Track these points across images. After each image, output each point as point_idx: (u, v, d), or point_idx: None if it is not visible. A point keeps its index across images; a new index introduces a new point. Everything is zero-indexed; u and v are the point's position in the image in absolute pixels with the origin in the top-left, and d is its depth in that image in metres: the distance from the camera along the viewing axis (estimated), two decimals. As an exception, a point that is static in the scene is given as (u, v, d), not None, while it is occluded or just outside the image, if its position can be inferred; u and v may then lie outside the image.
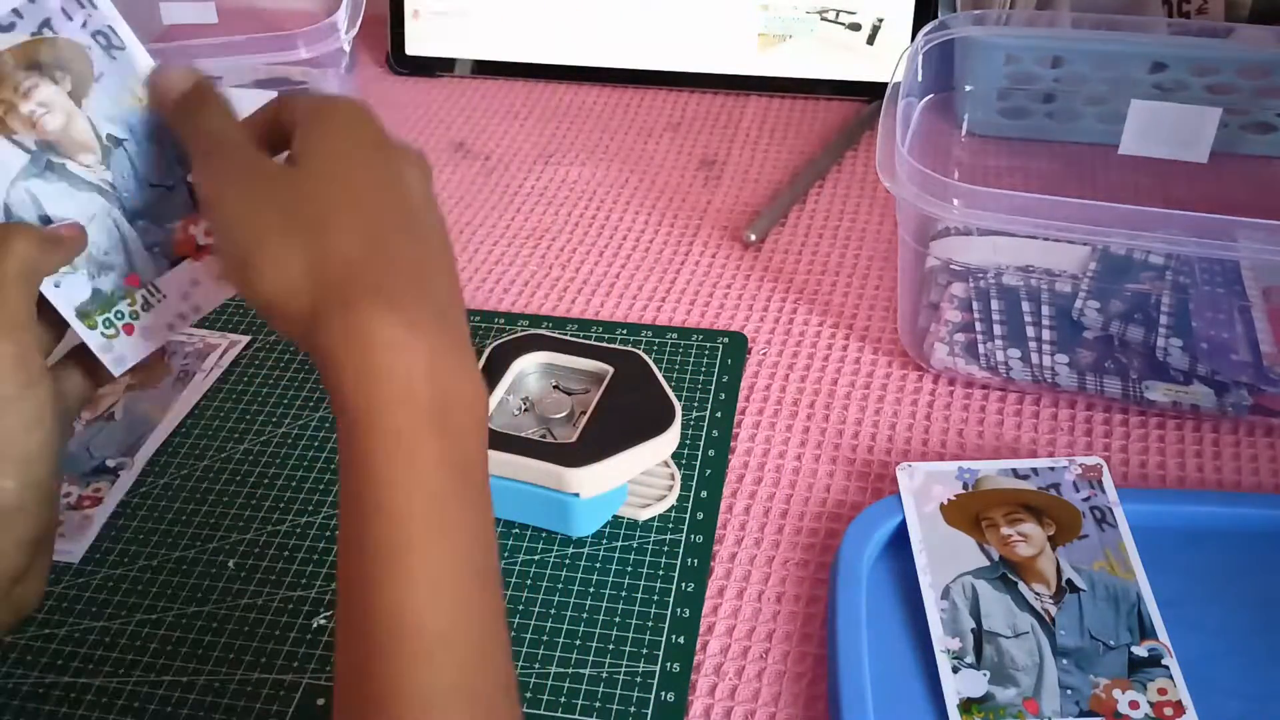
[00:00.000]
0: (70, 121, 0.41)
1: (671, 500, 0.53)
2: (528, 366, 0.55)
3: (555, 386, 0.55)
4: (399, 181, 0.39)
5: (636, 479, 0.52)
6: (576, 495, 0.49)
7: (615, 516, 0.52)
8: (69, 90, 0.41)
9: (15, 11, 0.40)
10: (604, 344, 0.56)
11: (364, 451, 0.34)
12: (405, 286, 0.36)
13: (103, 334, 0.42)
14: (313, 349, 0.36)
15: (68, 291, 0.41)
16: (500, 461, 0.50)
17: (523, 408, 0.54)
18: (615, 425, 0.51)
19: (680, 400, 0.58)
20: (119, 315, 0.43)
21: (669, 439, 0.51)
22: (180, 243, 0.43)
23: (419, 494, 0.34)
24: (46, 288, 0.41)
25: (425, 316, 0.36)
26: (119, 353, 0.42)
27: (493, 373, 0.54)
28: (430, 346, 0.35)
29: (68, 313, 0.41)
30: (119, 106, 0.42)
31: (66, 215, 0.41)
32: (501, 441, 0.50)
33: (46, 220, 0.41)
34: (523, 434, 0.52)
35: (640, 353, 0.55)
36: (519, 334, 0.56)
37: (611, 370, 0.54)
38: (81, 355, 0.43)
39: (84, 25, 0.41)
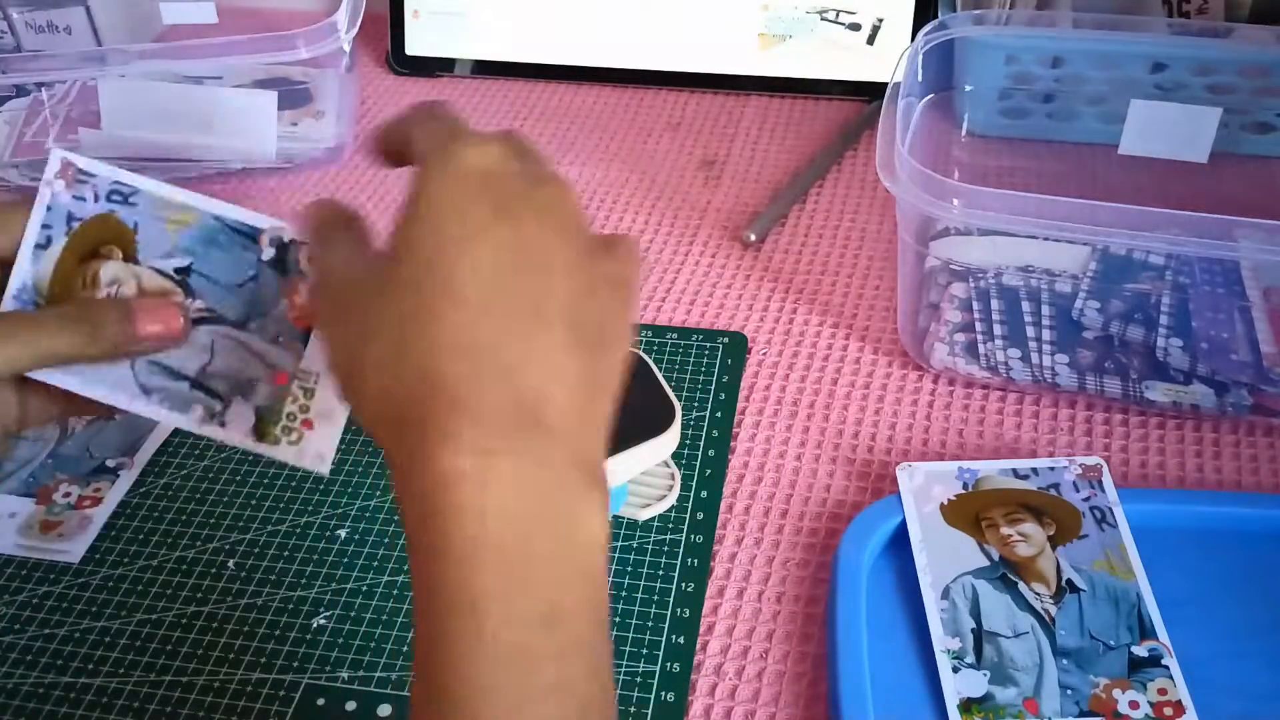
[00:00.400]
0: (140, 280, 0.42)
1: (671, 500, 0.53)
2: None
3: None
4: (524, 254, 0.33)
5: (636, 479, 0.52)
6: None
7: (615, 517, 0.52)
8: (123, 257, 0.42)
9: (45, 227, 0.41)
10: None
11: (424, 612, 0.30)
12: (498, 398, 0.31)
13: (289, 443, 0.42)
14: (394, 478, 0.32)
15: (235, 424, 0.42)
16: None
17: None
18: (615, 425, 0.50)
19: (680, 400, 0.58)
20: (291, 418, 0.42)
21: (669, 439, 0.50)
22: (298, 318, 0.43)
23: (487, 665, 0.29)
24: (212, 429, 0.42)
25: (524, 437, 0.31)
26: (315, 450, 0.42)
27: None
28: (520, 475, 0.30)
29: (245, 442, 0.41)
30: (166, 241, 0.42)
31: (191, 362, 0.42)
32: None
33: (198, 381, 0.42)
34: None
35: (640, 353, 0.54)
36: None
37: None
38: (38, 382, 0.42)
39: (96, 198, 0.42)
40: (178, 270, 0.42)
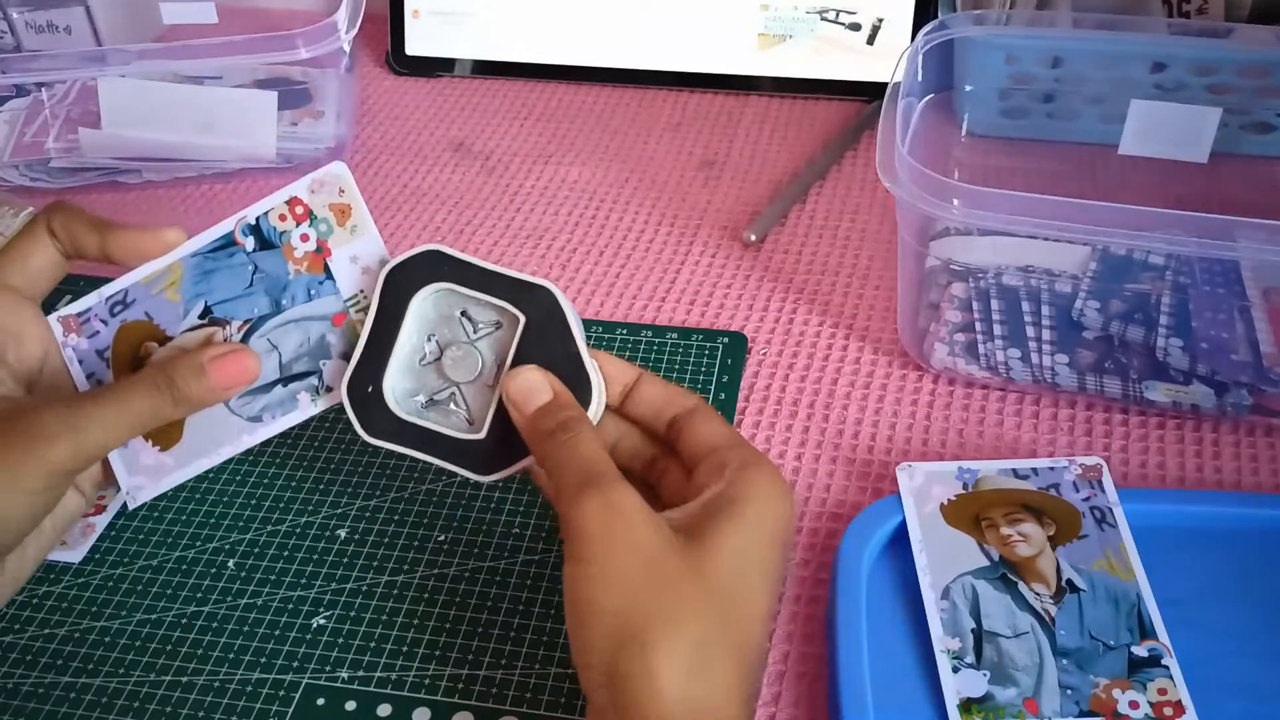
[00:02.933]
0: (184, 345, 0.45)
1: (600, 403, 0.44)
2: (428, 296, 0.45)
3: (463, 314, 0.45)
4: (767, 608, 0.39)
5: None
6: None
7: None
8: (160, 344, 0.46)
9: (89, 375, 0.46)
10: (511, 272, 0.45)
11: None
12: None
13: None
14: None
15: (338, 379, 0.44)
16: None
17: (433, 355, 0.45)
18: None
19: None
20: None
21: (592, 413, 0.43)
22: (309, 266, 0.45)
23: None
24: (326, 400, 0.45)
25: None
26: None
27: (393, 312, 0.44)
28: None
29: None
30: (177, 306, 0.45)
31: (267, 369, 0.45)
32: (414, 437, 0.44)
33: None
34: (433, 397, 0.45)
35: (551, 289, 0.44)
36: (413, 252, 0.44)
37: (523, 319, 0.44)
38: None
39: (105, 322, 0.45)
40: (201, 317, 0.44)
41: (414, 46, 0.90)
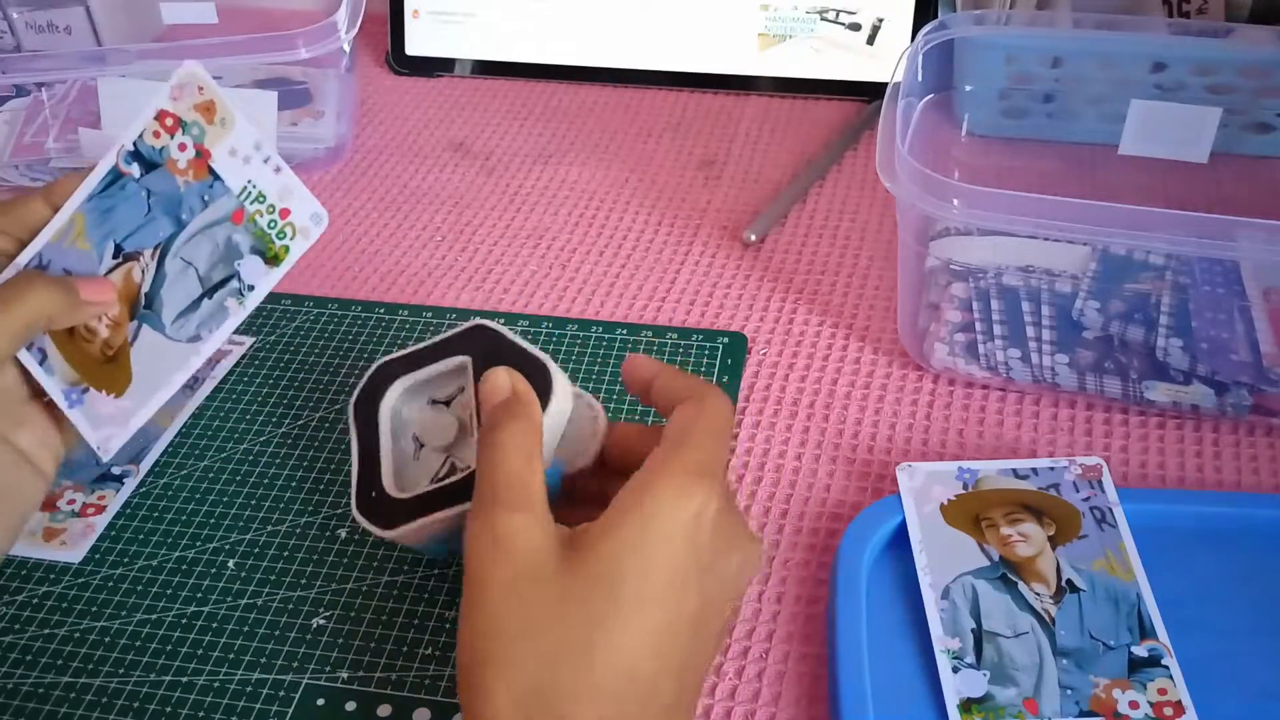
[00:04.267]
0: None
1: (602, 430, 0.45)
2: (393, 401, 0.47)
3: (432, 402, 0.47)
4: (685, 639, 0.35)
5: (561, 446, 0.45)
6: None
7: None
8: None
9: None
10: (446, 334, 0.47)
11: None
12: None
13: (291, 239, 0.45)
14: None
15: (257, 275, 0.44)
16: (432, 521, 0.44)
17: (417, 447, 0.47)
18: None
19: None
20: (271, 225, 0.44)
21: (559, 402, 0.43)
22: (195, 174, 0.44)
23: None
24: (253, 299, 0.45)
25: None
26: (307, 218, 0.45)
27: (368, 431, 0.47)
28: None
29: (275, 276, 0.44)
30: (90, 255, 0.45)
31: (188, 285, 0.44)
32: (432, 503, 0.44)
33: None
34: (436, 476, 0.46)
35: (485, 322, 0.46)
36: (366, 374, 0.48)
37: (469, 359, 0.45)
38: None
39: None
40: (115, 256, 0.43)
41: (414, 46, 0.90)
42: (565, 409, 0.43)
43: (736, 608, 0.39)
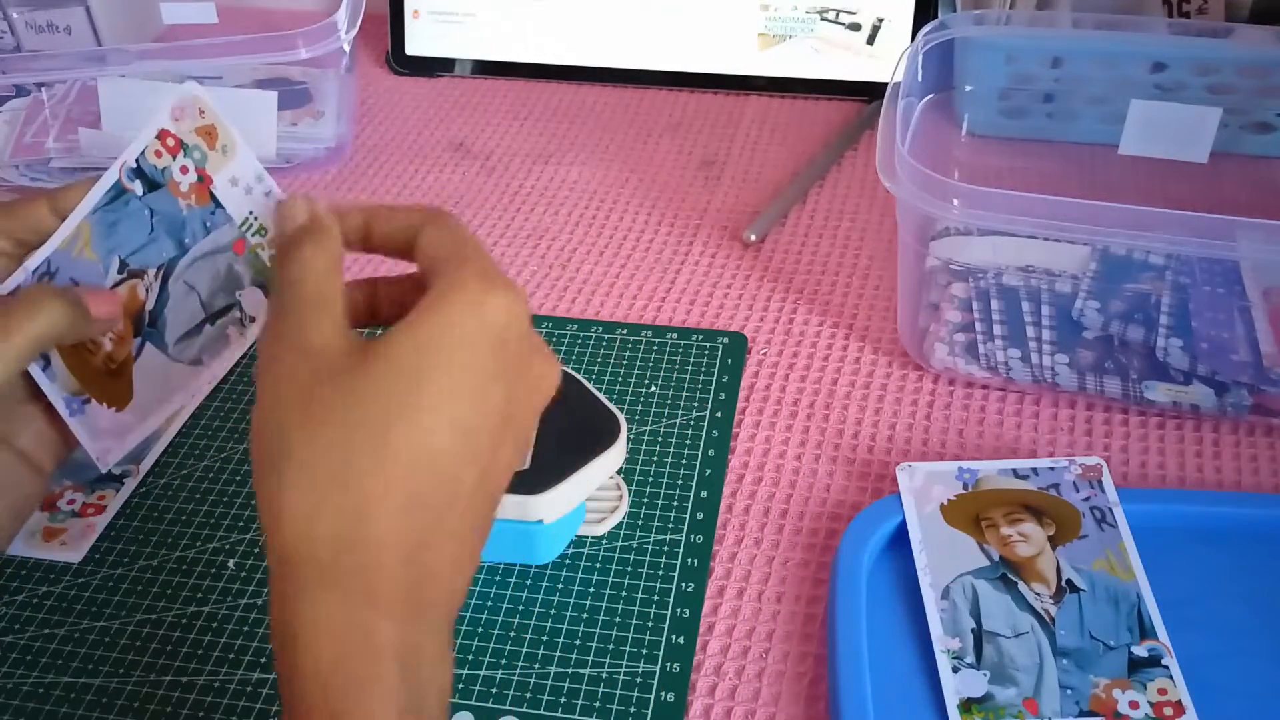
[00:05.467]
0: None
1: (624, 510, 0.52)
2: None
3: None
4: (489, 435, 0.34)
5: (590, 495, 0.50)
6: (540, 522, 0.47)
7: (577, 536, 0.51)
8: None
9: None
10: None
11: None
12: (426, 589, 0.32)
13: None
14: (274, 603, 0.32)
15: (257, 307, 0.44)
16: None
17: None
18: (563, 446, 0.48)
19: (680, 400, 0.58)
20: (272, 259, 0.44)
21: (617, 451, 0.49)
22: (198, 199, 0.44)
23: None
24: (254, 329, 0.44)
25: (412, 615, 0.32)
26: None
27: None
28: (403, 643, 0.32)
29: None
30: (96, 266, 0.44)
31: (192, 309, 0.44)
32: None
33: None
34: None
35: (567, 369, 0.50)
36: None
37: None
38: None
39: None
40: (121, 271, 0.44)
41: (414, 46, 0.90)
42: (618, 463, 0.49)
43: (534, 425, 0.37)
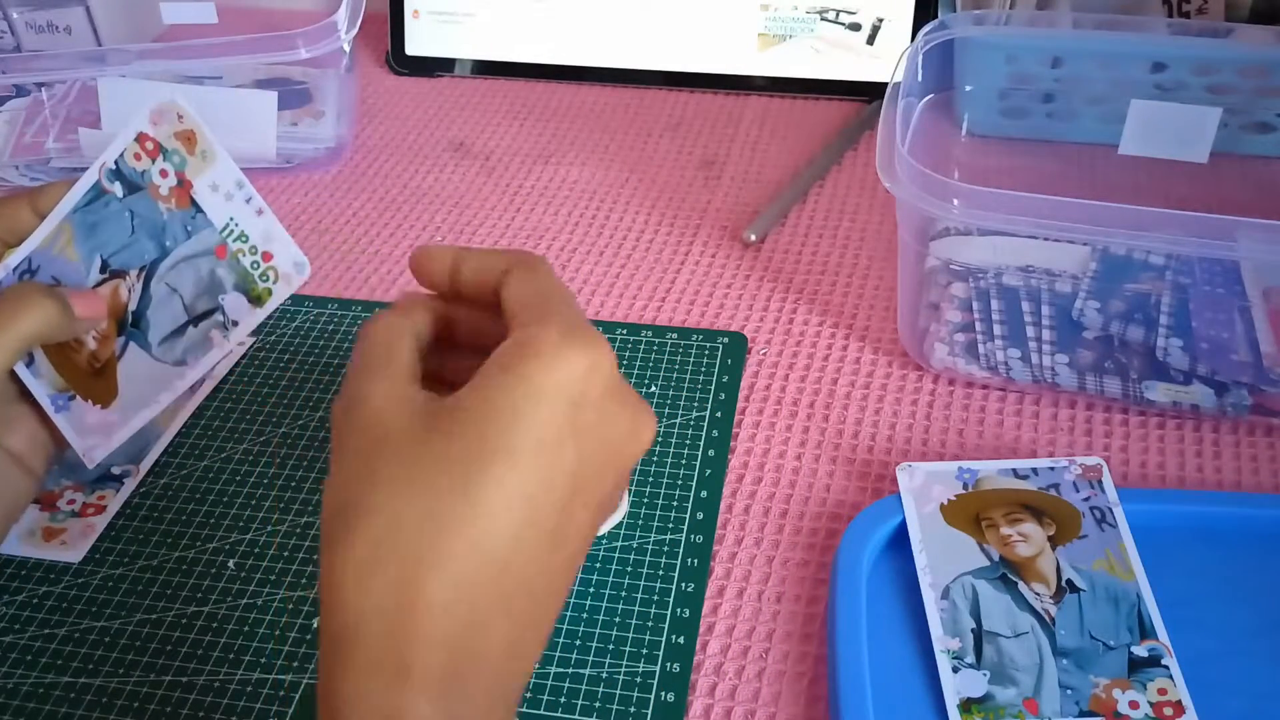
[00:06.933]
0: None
1: (624, 509, 0.52)
2: None
3: None
4: (554, 507, 0.32)
5: None
6: None
7: None
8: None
9: None
10: None
11: None
12: (469, 670, 0.31)
13: (274, 284, 0.45)
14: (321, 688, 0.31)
15: (240, 313, 0.44)
16: None
17: None
18: None
19: (680, 400, 0.58)
20: (254, 266, 0.44)
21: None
22: (178, 202, 0.44)
23: None
24: (236, 334, 0.44)
25: (451, 695, 0.31)
26: (289, 265, 0.45)
27: None
28: None
29: (259, 317, 0.44)
30: (78, 266, 0.44)
31: (174, 312, 0.44)
32: None
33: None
34: None
35: None
36: None
37: None
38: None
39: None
40: (103, 271, 0.44)
41: (414, 46, 0.90)
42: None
43: (621, 484, 0.36)
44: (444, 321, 0.39)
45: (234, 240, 0.44)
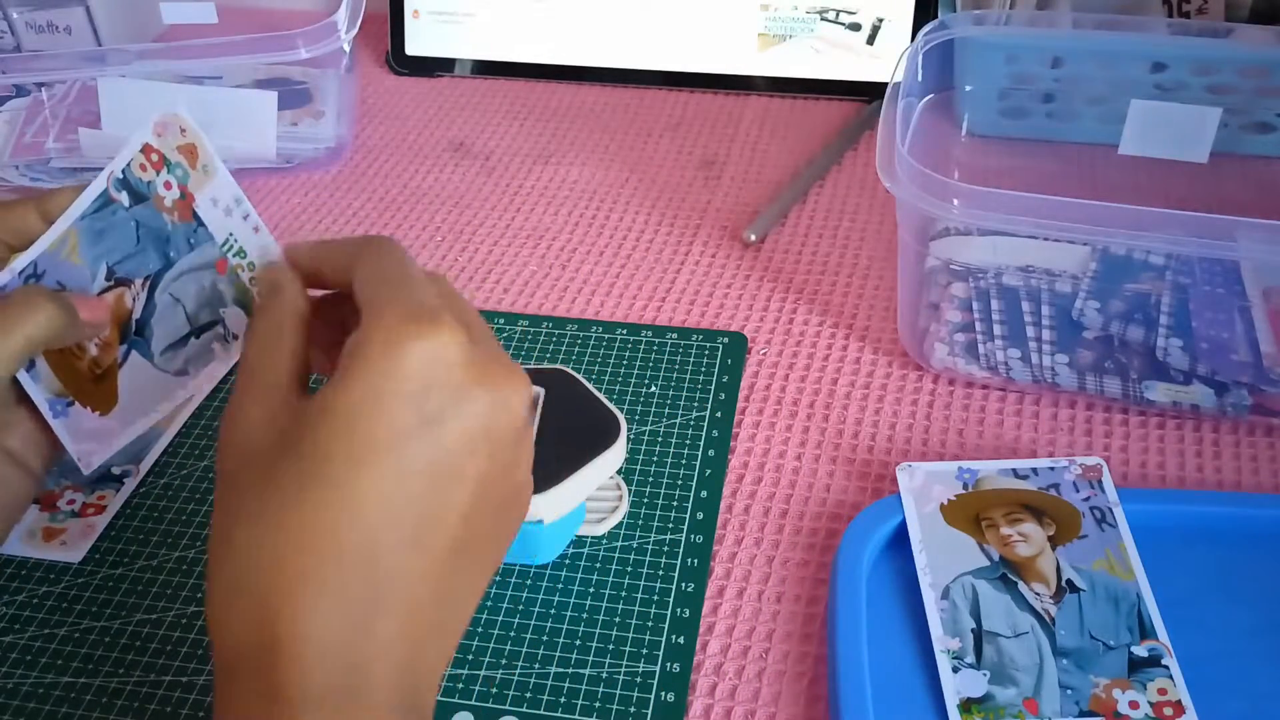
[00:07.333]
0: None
1: (624, 509, 0.52)
2: None
3: None
4: (435, 477, 0.32)
5: (590, 495, 0.50)
6: (540, 522, 0.47)
7: (576, 535, 0.51)
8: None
9: None
10: (529, 367, 0.52)
11: None
12: (336, 661, 0.30)
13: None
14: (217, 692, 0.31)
15: (240, 326, 0.44)
16: None
17: None
18: (563, 445, 0.48)
19: (680, 400, 0.58)
20: (252, 282, 0.44)
21: (617, 451, 0.49)
22: (181, 215, 0.44)
23: None
24: (237, 346, 0.44)
25: (343, 705, 0.30)
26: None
27: None
28: None
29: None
30: (83, 270, 0.44)
31: (177, 323, 0.44)
32: None
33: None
34: None
35: (567, 369, 0.52)
36: None
37: (543, 391, 0.48)
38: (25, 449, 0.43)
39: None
40: (109, 279, 0.44)
41: (414, 46, 0.90)
42: (619, 463, 0.49)
43: (520, 452, 0.35)
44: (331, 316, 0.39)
45: (233, 255, 0.44)
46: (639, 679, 0.46)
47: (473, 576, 0.34)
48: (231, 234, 0.44)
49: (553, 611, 0.49)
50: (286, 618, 0.30)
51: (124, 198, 0.44)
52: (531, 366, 0.51)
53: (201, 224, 0.44)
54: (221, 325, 0.45)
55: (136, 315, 0.45)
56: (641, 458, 0.55)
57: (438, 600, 0.33)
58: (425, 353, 0.32)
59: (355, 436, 0.31)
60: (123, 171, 0.43)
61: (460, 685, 0.46)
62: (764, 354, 0.62)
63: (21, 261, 0.44)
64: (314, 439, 0.31)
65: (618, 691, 0.45)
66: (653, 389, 0.59)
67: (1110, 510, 0.49)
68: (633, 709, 0.45)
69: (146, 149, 0.43)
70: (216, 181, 0.44)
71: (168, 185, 0.44)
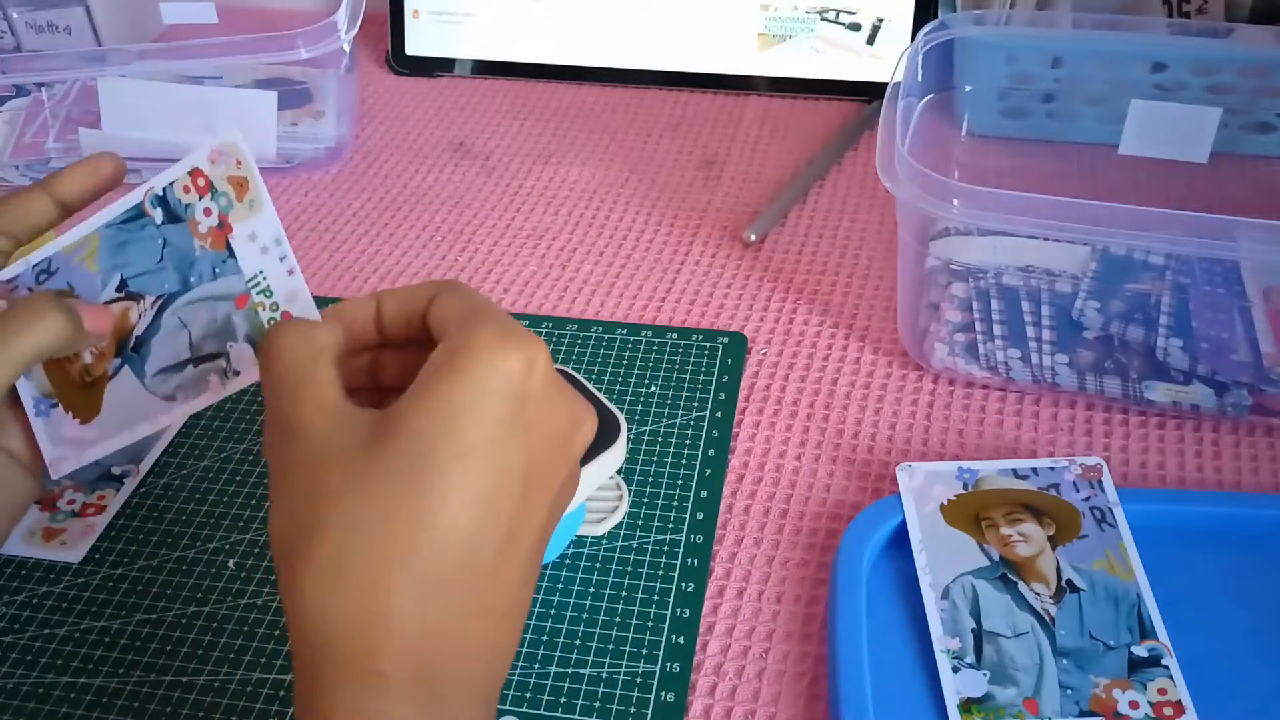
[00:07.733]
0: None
1: (624, 509, 0.52)
2: None
3: None
4: (510, 500, 0.32)
5: (590, 494, 0.51)
6: None
7: (576, 535, 0.51)
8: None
9: None
10: None
11: None
12: (444, 671, 0.31)
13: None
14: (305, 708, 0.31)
15: (244, 364, 0.43)
16: None
17: None
18: None
19: (680, 400, 0.58)
20: (271, 323, 0.44)
21: (617, 451, 0.49)
22: (212, 243, 0.44)
23: None
24: (234, 384, 0.43)
25: (427, 701, 0.31)
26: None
27: None
28: None
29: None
30: (95, 278, 0.44)
31: (178, 347, 0.44)
32: None
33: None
34: None
35: (567, 369, 0.52)
36: None
37: None
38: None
39: (31, 290, 0.45)
40: (119, 290, 0.44)
41: (414, 46, 0.90)
42: (619, 463, 0.48)
43: (573, 476, 0.36)
44: (370, 364, 0.39)
45: (257, 293, 0.44)
46: (639, 679, 0.46)
47: (532, 584, 0.35)
48: (261, 271, 0.43)
49: (553, 611, 0.49)
50: (395, 596, 0.31)
51: (158, 214, 0.43)
52: None
53: (232, 255, 0.44)
54: (225, 359, 0.44)
55: (138, 331, 0.44)
56: (641, 458, 0.55)
57: (516, 604, 0.34)
58: (524, 362, 0.33)
59: (466, 431, 0.32)
60: (164, 189, 0.43)
61: (460, 685, 0.46)
62: (764, 354, 0.62)
63: (37, 255, 0.44)
64: (422, 433, 0.32)
65: (618, 691, 0.45)
66: (653, 389, 0.59)
67: (1110, 510, 0.49)
68: (633, 709, 0.45)
69: (195, 172, 0.43)
70: (260, 218, 0.43)
71: (207, 211, 0.43)
